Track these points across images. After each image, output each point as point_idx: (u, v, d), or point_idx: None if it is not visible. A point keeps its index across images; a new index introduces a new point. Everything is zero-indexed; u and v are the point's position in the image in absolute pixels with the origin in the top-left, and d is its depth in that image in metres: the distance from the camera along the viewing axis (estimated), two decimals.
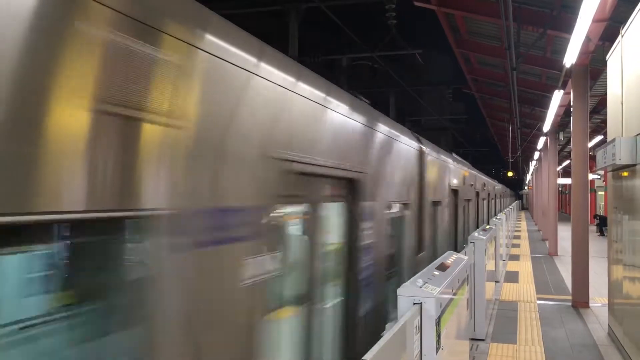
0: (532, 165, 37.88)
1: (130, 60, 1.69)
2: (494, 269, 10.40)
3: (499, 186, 29.54)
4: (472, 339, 7.11)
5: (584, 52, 9.10)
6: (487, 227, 9.53)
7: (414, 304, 3.17)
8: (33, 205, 1.36)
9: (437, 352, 3.26)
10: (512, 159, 39.15)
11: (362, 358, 2.21)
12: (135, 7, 1.73)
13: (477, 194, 15.09)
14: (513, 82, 11.89)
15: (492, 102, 22.85)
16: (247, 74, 2.42)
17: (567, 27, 8.18)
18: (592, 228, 24.57)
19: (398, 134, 5.70)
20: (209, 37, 2.14)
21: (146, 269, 1.81)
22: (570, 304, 9.62)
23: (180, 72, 1.94)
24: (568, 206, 37.61)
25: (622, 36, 6.57)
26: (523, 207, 76.25)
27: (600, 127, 19.09)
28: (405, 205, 6.04)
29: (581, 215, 9.93)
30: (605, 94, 7.85)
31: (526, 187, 68.92)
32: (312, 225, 3.38)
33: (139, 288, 1.80)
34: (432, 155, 7.74)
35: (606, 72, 7.84)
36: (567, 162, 30.28)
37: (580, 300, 9.52)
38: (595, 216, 28.69)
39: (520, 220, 39.15)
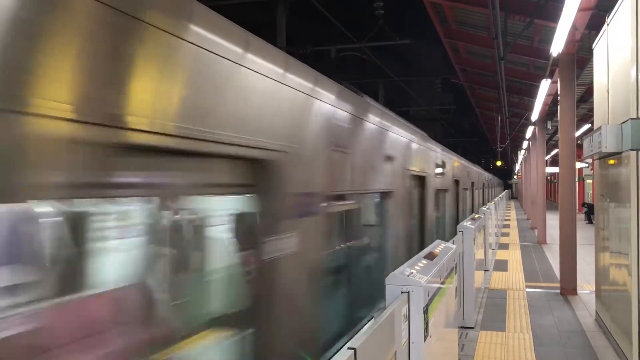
0: (521, 154, 38.11)
1: None
2: (483, 257, 10.48)
3: (487, 175, 29.52)
4: (462, 327, 7.18)
5: (570, 41, 9.14)
6: (476, 216, 9.58)
7: (402, 292, 3.19)
8: None
9: (425, 340, 3.29)
10: (500, 148, 39.39)
11: (348, 346, 2.17)
12: None
13: (457, 182, 12.61)
14: (501, 71, 11.95)
15: (480, 92, 22.94)
16: None
17: (554, 16, 8.21)
18: (580, 216, 24.84)
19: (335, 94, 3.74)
20: None
21: None
22: (558, 291, 9.72)
23: None
24: (557, 195, 37.88)
25: (608, 25, 6.61)
26: (512, 197, 76.69)
27: (587, 115, 19.21)
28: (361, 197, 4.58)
29: (569, 204, 10.01)
30: (592, 83, 7.90)
31: (515, 177, 69.30)
32: (162, 232, 2.11)
33: None
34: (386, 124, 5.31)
35: (593, 61, 7.88)
36: (555, 151, 30.47)
37: (568, 288, 9.63)
38: (583, 204, 29.01)
39: (509, 209, 39.44)
